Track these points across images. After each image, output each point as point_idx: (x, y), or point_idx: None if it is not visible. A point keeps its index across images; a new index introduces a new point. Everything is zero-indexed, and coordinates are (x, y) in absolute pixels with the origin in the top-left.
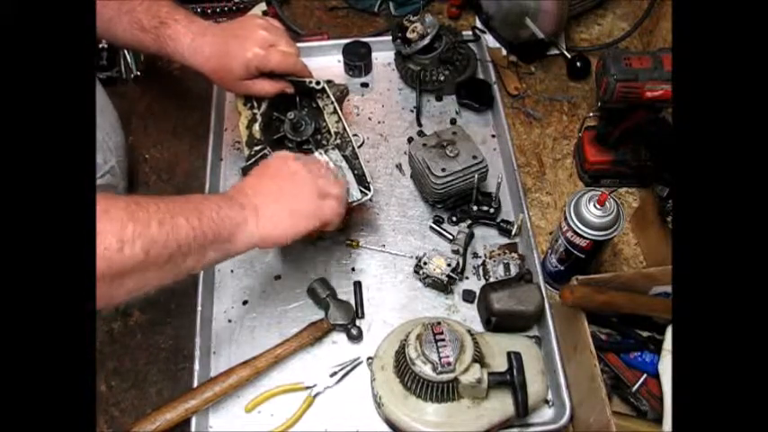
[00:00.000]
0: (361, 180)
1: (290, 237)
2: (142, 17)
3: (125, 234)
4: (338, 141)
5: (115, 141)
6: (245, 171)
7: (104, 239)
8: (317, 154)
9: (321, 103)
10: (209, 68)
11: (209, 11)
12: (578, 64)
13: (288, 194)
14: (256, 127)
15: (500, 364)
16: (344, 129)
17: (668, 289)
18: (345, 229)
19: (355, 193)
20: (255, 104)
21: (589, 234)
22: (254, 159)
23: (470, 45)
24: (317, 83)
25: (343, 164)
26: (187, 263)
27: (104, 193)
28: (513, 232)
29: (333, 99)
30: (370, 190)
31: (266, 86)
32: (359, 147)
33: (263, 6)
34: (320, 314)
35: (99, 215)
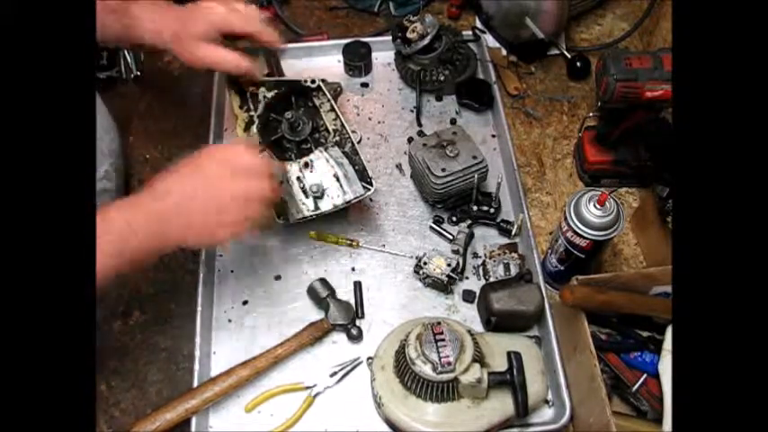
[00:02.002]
0: (363, 176)
1: (212, 245)
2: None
3: None
4: (337, 138)
5: (108, 144)
6: None
7: None
8: (317, 152)
9: (317, 102)
10: (170, 33)
11: None
12: (578, 64)
13: (207, 200)
14: (254, 129)
15: (500, 364)
16: (343, 125)
17: (668, 289)
18: (345, 228)
19: (358, 189)
20: (252, 106)
21: (589, 234)
22: None
23: (470, 45)
24: (313, 81)
25: (344, 160)
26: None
27: None
28: (513, 232)
29: (329, 96)
30: (372, 185)
31: (228, 56)
32: (358, 143)
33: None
34: (320, 314)
35: None
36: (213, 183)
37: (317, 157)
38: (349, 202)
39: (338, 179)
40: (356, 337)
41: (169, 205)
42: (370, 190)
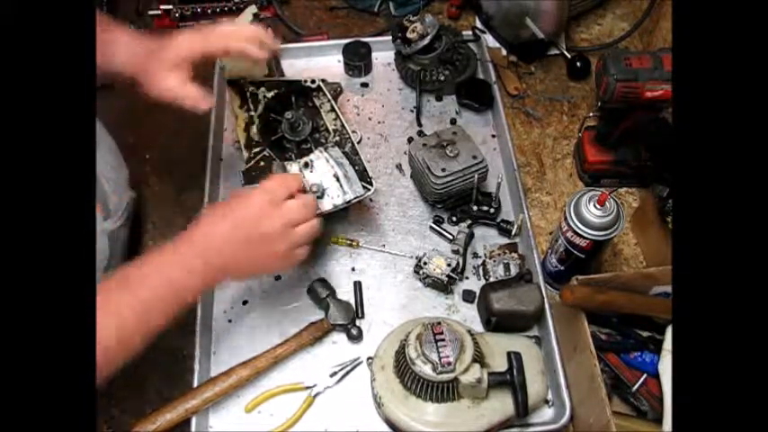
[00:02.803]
0: (363, 176)
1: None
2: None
3: (109, 336)
4: (337, 138)
5: (115, 179)
6: (246, 175)
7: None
8: (317, 152)
9: (317, 102)
10: (138, 63)
11: (209, 11)
12: (578, 64)
13: (256, 252)
14: (254, 129)
15: (500, 364)
16: (343, 125)
17: (668, 289)
18: (345, 228)
19: (357, 189)
20: (252, 107)
21: (589, 234)
22: (253, 162)
23: (470, 45)
24: (313, 81)
25: (344, 160)
26: (155, 332)
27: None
28: (513, 232)
29: (329, 96)
30: (372, 185)
31: (190, 94)
32: (357, 143)
33: (253, 9)
34: (320, 314)
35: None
36: (253, 218)
37: (317, 157)
38: (349, 202)
39: (338, 179)
40: (356, 337)
41: (210, 249)
42: (370, 190)
